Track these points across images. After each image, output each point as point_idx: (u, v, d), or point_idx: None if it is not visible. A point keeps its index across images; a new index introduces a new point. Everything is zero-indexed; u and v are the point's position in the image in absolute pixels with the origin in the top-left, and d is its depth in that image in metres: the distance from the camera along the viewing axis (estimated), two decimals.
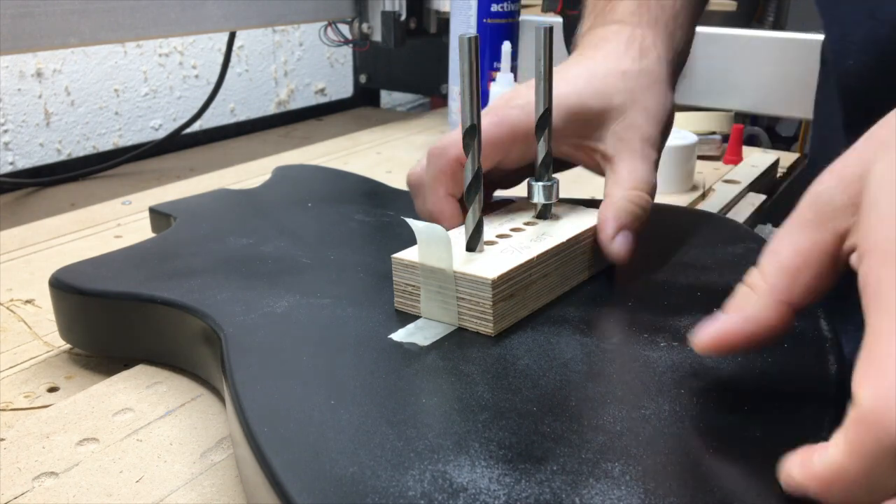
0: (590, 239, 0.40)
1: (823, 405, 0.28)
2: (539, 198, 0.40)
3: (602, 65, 0.44)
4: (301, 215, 0.52)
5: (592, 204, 0.43)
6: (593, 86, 0.43)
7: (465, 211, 0.37)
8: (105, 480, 0.33)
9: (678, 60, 0.48)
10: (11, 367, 0.43)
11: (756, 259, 0.28)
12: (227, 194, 0.58)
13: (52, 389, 0.41)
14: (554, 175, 0.41)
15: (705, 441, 0.27)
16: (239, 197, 0.57)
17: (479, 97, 0.35)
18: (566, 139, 0.43)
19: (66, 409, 0.38)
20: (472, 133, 0.35)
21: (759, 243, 0.42)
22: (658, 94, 0.44)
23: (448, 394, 0.30)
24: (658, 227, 0.42)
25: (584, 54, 0.46)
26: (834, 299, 0.30)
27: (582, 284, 0.40)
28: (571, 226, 0.40)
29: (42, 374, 0.43)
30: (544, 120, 0.39)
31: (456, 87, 0.90)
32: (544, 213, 0.41)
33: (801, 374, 0.31)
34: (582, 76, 0.43)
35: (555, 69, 0.40)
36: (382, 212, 0.52)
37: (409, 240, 0.36)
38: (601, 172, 0.44)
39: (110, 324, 0.42)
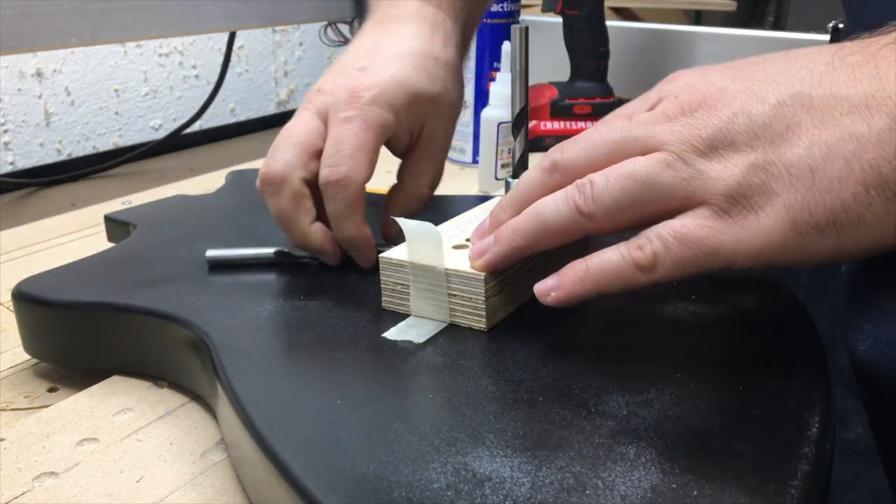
0: None
1: (812, 381, 0.29)
2: None
3: (416, 45, 0.44)
4: (266, 220, 0.50)
5: None
6: (419, 69, 0.43)
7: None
8: (105, 480, 0.33)
9: (465, 48, 0.49)
10: (11, 367, 0.43)
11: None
12: (186, 201, 0.56)
13: (52, 389, 0.41)
14: None
15: (710, 419, 0.27)
16: (198, 203, 0.55)
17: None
18: (406, 121, 0.43)
19: (66, 409, 0.38)
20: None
21: None
22: (459, 90, 0.46)
23: (453, 388, 0.30)
24: None
25: (390, 29, 0.45)
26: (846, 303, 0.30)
27: None
28: None
29: (42, 374, 0.43)
30: (521, 118, 0.39)
31: None
32: None
33: (790, 349, 0.32)
34: (405, 57, 0.43)
35: (369, 42, 0.42)
36: None
37: (380, 240, 0.36)
38: (397, 153, 0.45)
39: (82, 335, 0.40)
